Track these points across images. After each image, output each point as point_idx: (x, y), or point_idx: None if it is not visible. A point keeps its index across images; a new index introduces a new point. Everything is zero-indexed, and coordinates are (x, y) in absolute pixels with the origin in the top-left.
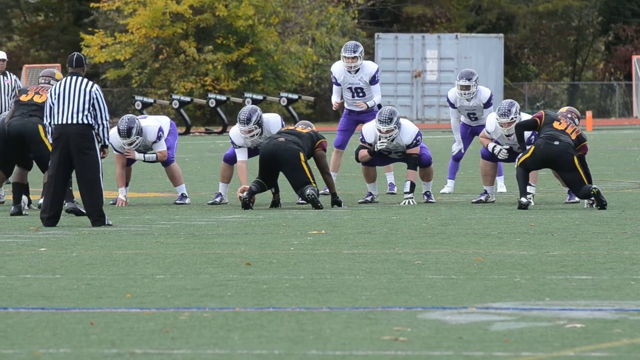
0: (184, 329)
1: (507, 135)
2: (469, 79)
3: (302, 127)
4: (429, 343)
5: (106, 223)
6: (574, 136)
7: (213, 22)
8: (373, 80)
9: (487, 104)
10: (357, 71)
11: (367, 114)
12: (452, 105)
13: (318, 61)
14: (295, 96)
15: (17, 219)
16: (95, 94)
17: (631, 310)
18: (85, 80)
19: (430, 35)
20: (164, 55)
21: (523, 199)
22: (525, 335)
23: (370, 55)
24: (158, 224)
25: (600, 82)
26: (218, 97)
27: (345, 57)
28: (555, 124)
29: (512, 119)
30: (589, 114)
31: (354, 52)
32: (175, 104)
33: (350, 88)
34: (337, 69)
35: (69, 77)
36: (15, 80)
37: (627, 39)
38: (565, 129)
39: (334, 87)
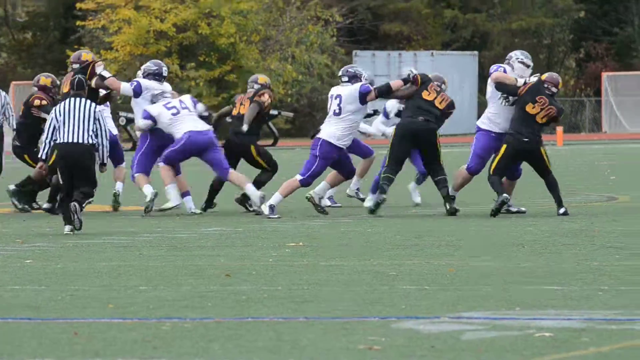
0: (166, 339)
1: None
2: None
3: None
4: (403, 352)
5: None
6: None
7: (196, 40)
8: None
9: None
10: None
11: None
12: (386, 116)
13: (297, 78)
14: (275, 112)
15: (3, 232)
16: (98, 113)
17: (598, 320)
18: (88, 101)
19: (406, 52)
20: None
21: (506, 195)
22: (496, 344)
23: None
24: (141, 237)
25: (570, 98)
26: None
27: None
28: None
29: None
30: (559, 129)
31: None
32: None
33: None
34: None
35: (72, 99)
36: (4, 97)
37: (597, 57)
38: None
39: None
